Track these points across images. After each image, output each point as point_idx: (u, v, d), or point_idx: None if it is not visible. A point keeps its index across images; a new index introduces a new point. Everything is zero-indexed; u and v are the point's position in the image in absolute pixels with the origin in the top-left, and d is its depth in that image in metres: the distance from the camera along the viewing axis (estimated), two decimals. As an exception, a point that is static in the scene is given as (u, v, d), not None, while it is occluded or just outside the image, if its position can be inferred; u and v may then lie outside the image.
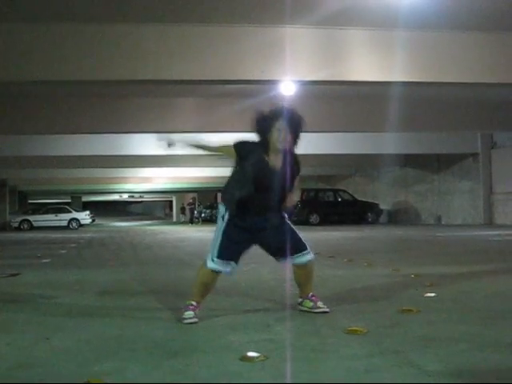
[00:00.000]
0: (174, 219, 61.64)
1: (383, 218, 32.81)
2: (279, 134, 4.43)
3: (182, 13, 10.33)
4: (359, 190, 36.23)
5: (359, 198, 32.49)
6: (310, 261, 4.70)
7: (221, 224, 4.50)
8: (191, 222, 44.94)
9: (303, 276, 4.74)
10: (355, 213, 30.92)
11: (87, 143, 22.46)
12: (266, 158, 4.50)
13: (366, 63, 11.45)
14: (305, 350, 3.47)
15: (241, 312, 4.79)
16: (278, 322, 4.30)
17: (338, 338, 3.75)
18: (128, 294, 6.04)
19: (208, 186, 46.02)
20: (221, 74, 11.19)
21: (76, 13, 10.11)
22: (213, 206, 48.75)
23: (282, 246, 4.52)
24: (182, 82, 11.73)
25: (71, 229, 35.59)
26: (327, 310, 4.65)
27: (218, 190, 62.54)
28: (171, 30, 10.70)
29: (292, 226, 4.68)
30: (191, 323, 4.27)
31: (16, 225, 36.38)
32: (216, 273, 4.49)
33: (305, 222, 28.70)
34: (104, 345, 3.73)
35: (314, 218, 29.60)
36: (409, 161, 31.56)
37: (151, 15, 10.36)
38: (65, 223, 36.87)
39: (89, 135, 20.84)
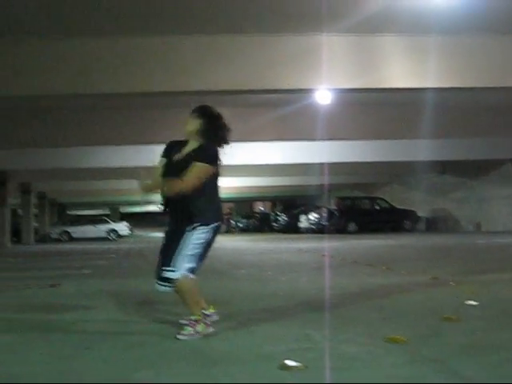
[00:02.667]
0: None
1: (421, 226, 32.48)
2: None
3: (216, 23, 10.39)
4: (396, 197, 35.90)
5: (397, 206, 32.22)
6: (172, 279, 4.31)
7: None
8: (228, 231, 45.16)
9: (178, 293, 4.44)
10: (393, 221, 30.68)
11: (124, 154, 22.65)
12: (178, 150, 4.58)
13: (401, 69, 11.36)
14: (344, 358, 3.45)
15: (279, 321, 4.78)
16: (316, 331, 4.28)
17: (377, 347, 3.72)
18: (167, 303, 6.06)
19: (244, 195, 46.15)
20: (255, 84, 11.22)
21: (109, 27, 10.26)
22: (249, 216, 48.94)
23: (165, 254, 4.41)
24: (218, 92, 11.75)
25: (110, 240, 35.92)
26: (183, 337, 4.20)
27: (254, 199, 62.82)
28: (205, 40, 10.77)
29: (190, 237, 4.32)
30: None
31: (56, 236, 36.88)
32: None
33: (342, 231, 28.62)
34: (143, 353, 3.75)
35: (352, 226, 29.46)
36: (446, 167, 31.22)
37: (185, 26, 10.43)
38: (103, 234, 37.24)
39: (125, 146, 21.05)
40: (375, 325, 4.46)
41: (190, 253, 4.31)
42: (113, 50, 10.84)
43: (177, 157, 4.54)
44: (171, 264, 4.29)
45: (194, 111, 4.61)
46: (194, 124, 4.55)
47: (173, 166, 4.49)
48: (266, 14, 10.11)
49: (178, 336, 4.21)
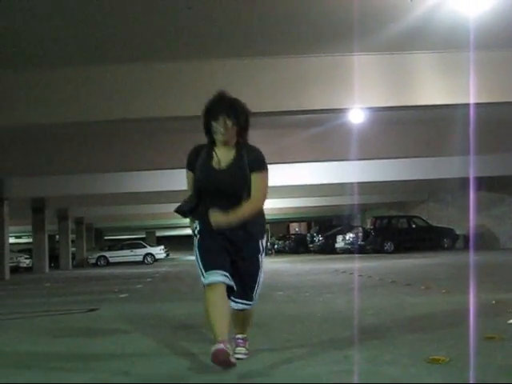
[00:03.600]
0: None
1: (459, 244, 32.03)
2: (218, 127, 3.85)
3: (247, 47, 10.45)
4: (433, 215, 35.52)
5: (434, 224, 31.87)
6: (246, 309, 4.13)
7: (195, 240, 4.01)
8: (265, 253, 45.15)
9: (238, 319, 4.19)
10: (430, 239, 30.33)
11: (159, 179, 22.84)
12: (211, 157, 3.94)
13: (434, 86, 11.29)
14: (385, 380, 3.39)
15: (318, 343, 4.72)
16: (356, 353, 4.21)
17: (419, 368, 3.65)
18: (204, 327, 6.05)
19: (279, 217, 46.05)
20: (287, 105, 11.24)
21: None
22: (285, 237, 48.77)
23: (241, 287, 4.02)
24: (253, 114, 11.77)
25: (146, 264, 36.11)
26: (242, 356, 4.12)
27: (290, 220, 62.70)
28: (236, 63, 10.83)
29: (260, 266, 4.15)
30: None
31: (93, 261, 37.22)
32: (213, 285, 3.79)
33: (379, 251, 28.38)
34: (181, 379, 3.74)
35: (388, 245, 29.18)
36: (483, 184, 30.81)
37: (216, 51, 10.52)
38: (140, 258, 37.48)
39: (160, 171, 21.21)
40: (416, 345, 4.38)
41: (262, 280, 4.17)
42: (148, 74, 10.99)
43: (221, 168, 3.88)
44: (254, 298, 4.09)
45: (228, 110, 3.83)
46: (233, 129, 3.87)
47: (217, 181, 3.86)
48: (298, 35, 10.14)
49: (240, 356, 4.09)
